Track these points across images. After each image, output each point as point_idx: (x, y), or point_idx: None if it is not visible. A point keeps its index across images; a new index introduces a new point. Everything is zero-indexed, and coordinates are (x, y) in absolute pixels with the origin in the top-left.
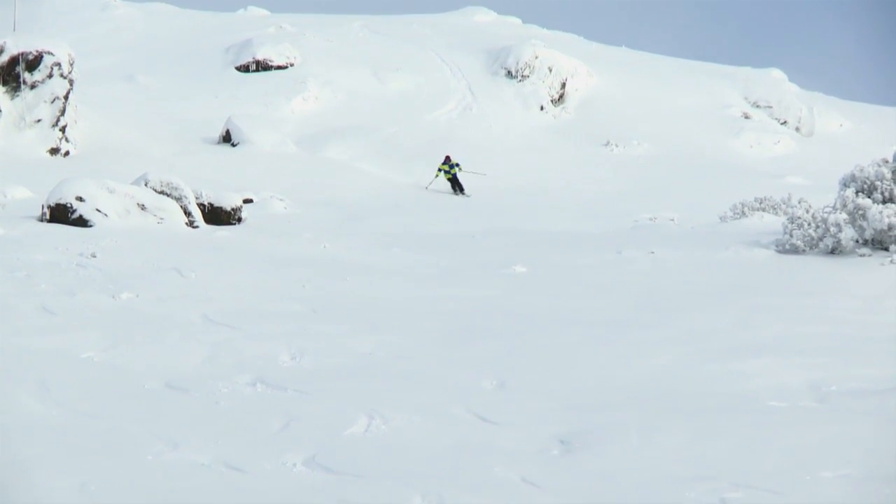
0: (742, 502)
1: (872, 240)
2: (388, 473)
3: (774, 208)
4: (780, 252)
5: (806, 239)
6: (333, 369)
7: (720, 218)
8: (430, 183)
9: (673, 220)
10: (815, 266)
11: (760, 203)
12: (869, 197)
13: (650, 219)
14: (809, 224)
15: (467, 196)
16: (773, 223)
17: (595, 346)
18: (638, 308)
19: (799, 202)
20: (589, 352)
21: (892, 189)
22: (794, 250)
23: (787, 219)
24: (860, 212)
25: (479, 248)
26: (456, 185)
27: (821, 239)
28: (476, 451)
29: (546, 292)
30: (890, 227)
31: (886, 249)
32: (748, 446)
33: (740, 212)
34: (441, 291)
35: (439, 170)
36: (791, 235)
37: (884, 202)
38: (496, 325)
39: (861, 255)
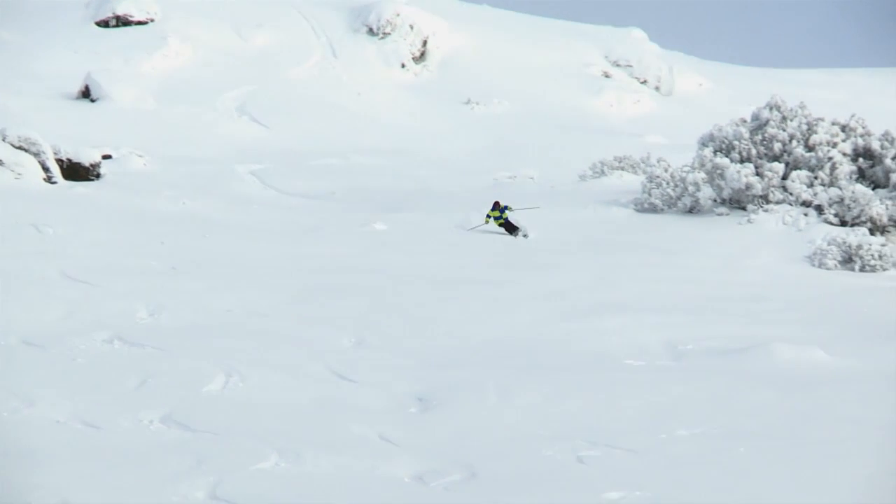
0: (598, 460)
1: (730, 199)
2: (245, 431)
3: (633, 167)
4: (638, 211)
5: (664, 198)
6: (191, 326)
7: (580, 177)
8: (475, 227)
9: (532, 178)
10: (674, 225)
11: (620, 162)
12: (727, 156)
13: (510, 177)
14: (668, 183)
15: (527, 237)
16: (632, 182)
17: (453, 305)
18: (497, 266)
19: (658, 161)
20: (447, 310)
21: (749, 149)
22: (653, 209)
23: (646, 178)
24: (718, 171)
25: (339, 205)
26: (511, 228)
27: (679, 198)
28: (334, 408)
29: (405, 250)
30: (747, 187)
31: (744, 209)
32: (605, 405)
33: (600, 171)
34: (300, 249)
35: (488, 216)
36: (650, 194)
37: (741, 162)
38: (355, 282)
39: (719, 215)
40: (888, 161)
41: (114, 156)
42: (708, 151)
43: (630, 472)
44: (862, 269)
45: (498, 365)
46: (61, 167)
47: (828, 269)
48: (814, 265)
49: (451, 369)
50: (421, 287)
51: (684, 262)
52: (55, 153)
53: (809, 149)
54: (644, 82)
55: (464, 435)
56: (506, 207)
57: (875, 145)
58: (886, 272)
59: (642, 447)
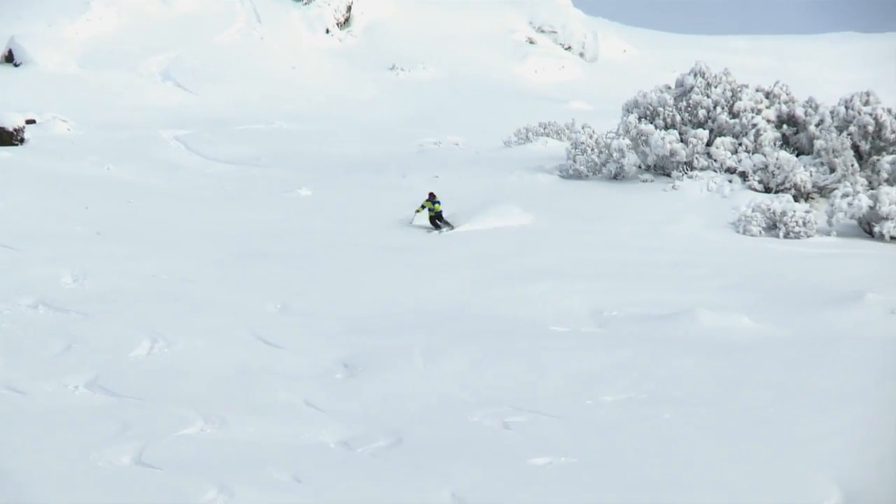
0: (524, 426)
1: (655, 166)
2: (170, 396)
3: (558, 133)
4: (563, 177)
5: (589, 164)
6: (116, 291)
7: (504, 143)
8: (413, 219)
9: (458, 144)
10: (599, 191)
11: (544, 128)
12: (651, 123)
13: (435, 143)
14: (593, 149)
15: (452, 228)
16: (556, 148)
17: (380, 270)
18: (422, 233)
19: (582, 128)
20: (373, 276)
21: (674, 115)
22: (578, 175)
23: (571, 144)
24: (643, 138)
25: (264, 171)
26: (440, 221)
27: (604, 164)
28: (259, 374)
29: (330, 216)
30: (672, 153)
31: (669, 175)
32: (531, 371)
33: (524, 137)
34: (225, 215)
35: (423, 206)
36: (574, 161)
37: (666, 128)
38: (280, 248)
39: (644, 181)
40: (812, 128)
41: (38, 121)
42: (632, 118)
43: (556, 438)
44: (786, 236)
45: (424, 331)
46: None
47: (752, 235)
48: (738, 232)
49: (377, 335)
50: (346, 253)
51: (609, 229)
52: None
53: (734, 115)
54: (568, 48)
55: (390, 401)
56: (438, 202)
57: (799, 112)
58: (810, 239)
59: (568, 413)
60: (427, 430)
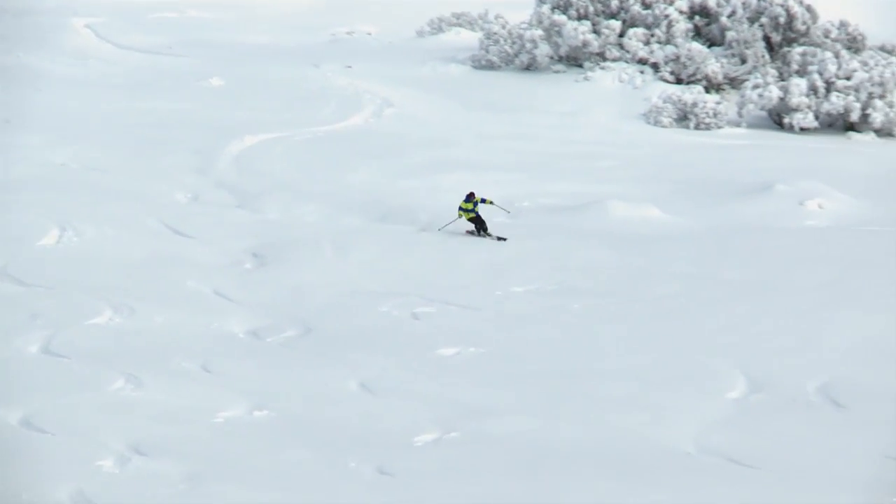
0: (433, 317)
1: (567, 56)
2: (79, 285)
3: (471, 24)
4: (476, 68)
5: (502, 55)
6: (25, 180)
7: (417, 33)
8: (448, 224)
9: (370, 34)
10: (511, 82)
11: (458, 18)
12: (564, 13)
13: (347, 33)
14: (505, 40)
15: (503, 239)
16: (469, 39)
17: (288, 158)
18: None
19: (495, 18)
20: (282, 164)
21: (587, 6)
22: (490, 66)
23: (484, 35)
24: (556, 28)
25: (176, 60)
26: (481, 225)
27: (516, 55)
28: (169, 263)
29: (242, 105)
30: (584, 44)
31: (581, 66)
32: (439, 261)
33: (437, 27)
34: (136, 104)
35: (461, 209)
36: (487, 51)
37: (579, 19)
38: (191, 137)
39: (556, 72)
40: (724, 19)
41: None
42: (546, 8)
43: (464, 328)
44: (697, 127)
45: (333, 222)
46: None
47: (663, 126)
48: (649, 123)
49: (286, 226)
50: (256, 141)
51: (522, 120)
52: None
53: (646, 6)
54: None
55: (299, 291)
56: (483, 200)
57: (711, 3)
58: (721, 130)
59: (477, 304)
60: (336, 320)
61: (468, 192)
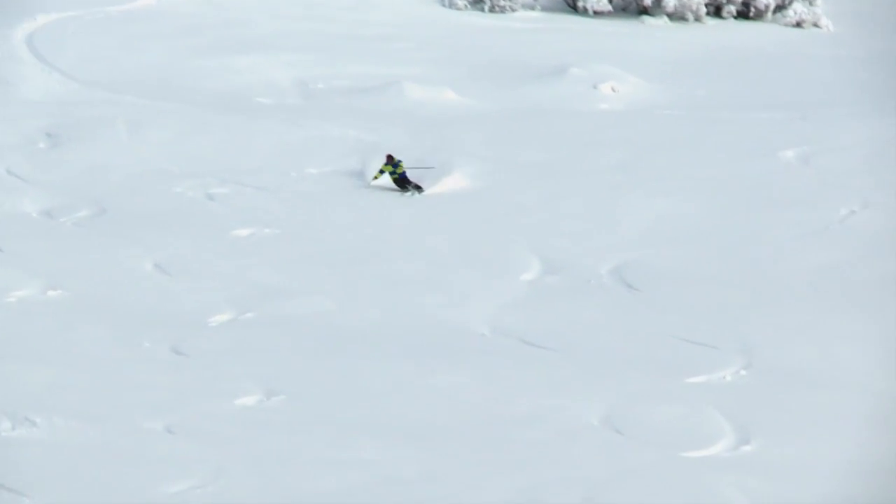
0: (228, 198)
1: None
2: None
3: None
4: None
5: None
6: None
7: None
8: (373, 180)
9: None
10: None
11: None
12: None
13: None
14: None
15: (422, 191)
16: None
17: (82, 39)
18: None
19: None
20: (76, 44)
21: None
22: None
23: None
24: None
25: None
26: (405, 184)
27: None
28: None
29: None
30: None
31: None
32: (236, 143)
33: None
34: None
35: (381, 171)
36: None
37: None
38: None
39: None
40: None
41: None
42: None
43: (259, 209)
44: (492, 10)
45: (129, 101)
46: None
47: (458, 9)
48: (444, 5)
49: (82, 106)
50: (49, 20)
51: (317, 1)
52: None
53: None
54: None
55: (93, 171)
56: (399, 162)
57: None
58: (515, 13)
59: (272, 185)
60: (131, 201)
61: (387, 154)
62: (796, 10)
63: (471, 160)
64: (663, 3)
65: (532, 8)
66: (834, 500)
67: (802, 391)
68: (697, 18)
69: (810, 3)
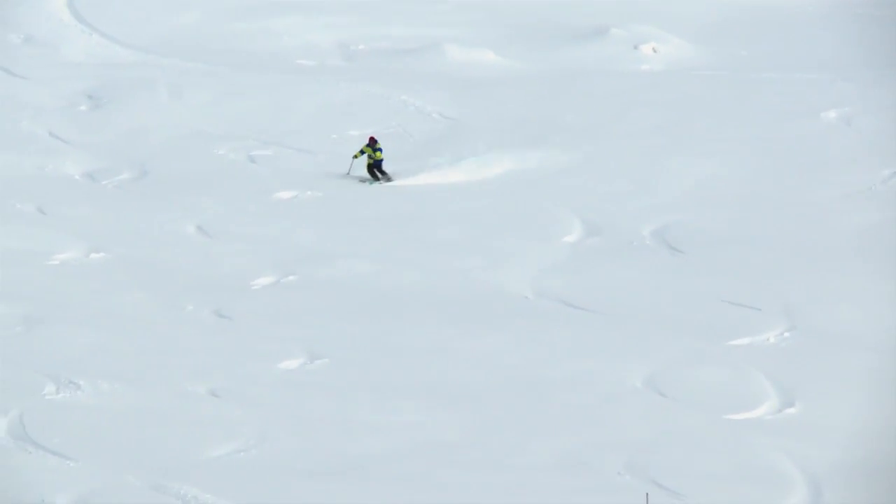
0: (270, 160)
1: None
2: None
3: None
4: None
5: None
6: None
7: None
8: (350, 167)
9: None
10: None
11: None
12: None
13: None
14: None
15: (390, 181)
16: None
17: (120, 0)
18: None
19: None
20: (114, 6)
21: None
22: None
23: None
24: None
25: None
26: (379, 172)
27: None
28: (2, 105)
29: None
30: None
31: None
32: (277, 105)
33: None
34: None
35: (362, 151)
36: None
37: None
38: None
39: None
40: None
41: None
42: None
43: (301, 171)
44: None
45: (169, 64)
46: None
47: None
48: None
49: (121, 68)
50: None
51: None
52: None
53: None
54: None
55: (135, 133)
56: (379, 149)
57: None
58: None
59: (314, 147)
60: (172, 163)
61: (370, 137)
62: None
63: (510, 122)
64: None
65: None
66: (877, 461)
67: (846, 353)
68: None
69: None
